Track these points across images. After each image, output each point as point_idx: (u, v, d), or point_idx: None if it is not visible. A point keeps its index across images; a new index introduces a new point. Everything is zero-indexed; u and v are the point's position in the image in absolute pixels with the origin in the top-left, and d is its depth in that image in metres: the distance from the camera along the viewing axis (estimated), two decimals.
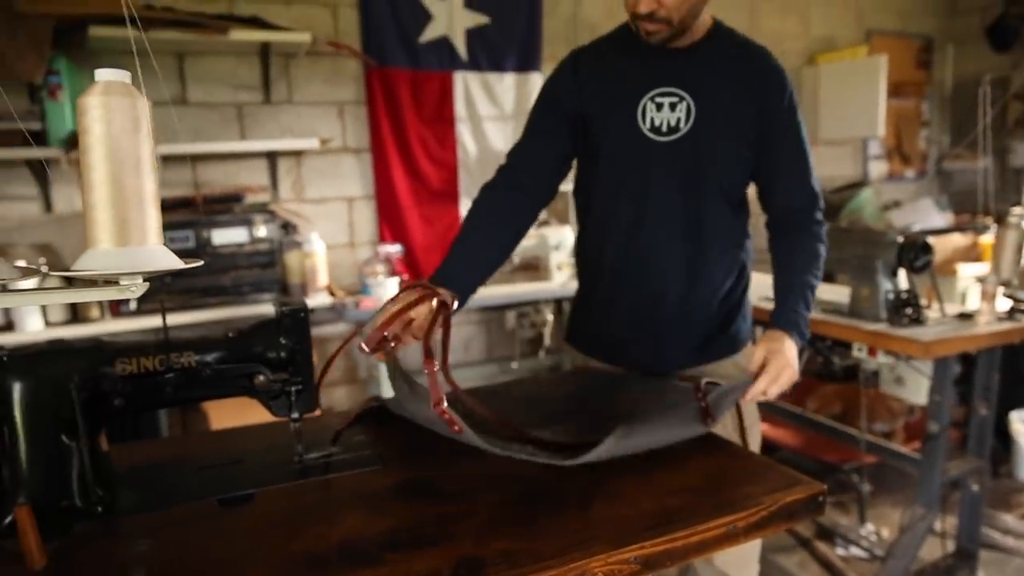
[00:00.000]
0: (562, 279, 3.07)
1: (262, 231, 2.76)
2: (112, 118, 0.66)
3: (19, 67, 2.38)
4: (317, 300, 2.79)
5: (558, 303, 3.40)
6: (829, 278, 3.09)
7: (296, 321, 1.07)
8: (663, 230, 1.41)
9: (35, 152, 2.63)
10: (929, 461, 2.11)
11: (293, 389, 1.07)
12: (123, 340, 1.05)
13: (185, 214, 2.74)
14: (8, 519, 0.96)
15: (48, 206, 2.85)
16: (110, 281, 0.69)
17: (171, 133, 2.90)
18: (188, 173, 2.98)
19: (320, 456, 1.11)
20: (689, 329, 1.47)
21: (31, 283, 0.66)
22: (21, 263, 2.36)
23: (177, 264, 0.70)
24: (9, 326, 2.54)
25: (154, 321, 2.61)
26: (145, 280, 0.70)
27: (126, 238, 0.68)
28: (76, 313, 2.62)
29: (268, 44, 2.85)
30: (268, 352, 1.07)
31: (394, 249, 2.86)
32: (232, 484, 1.06)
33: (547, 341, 3.40)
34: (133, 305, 2.64)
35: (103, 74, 0.66)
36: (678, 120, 1.37)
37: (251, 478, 1.08)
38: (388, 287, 2.65)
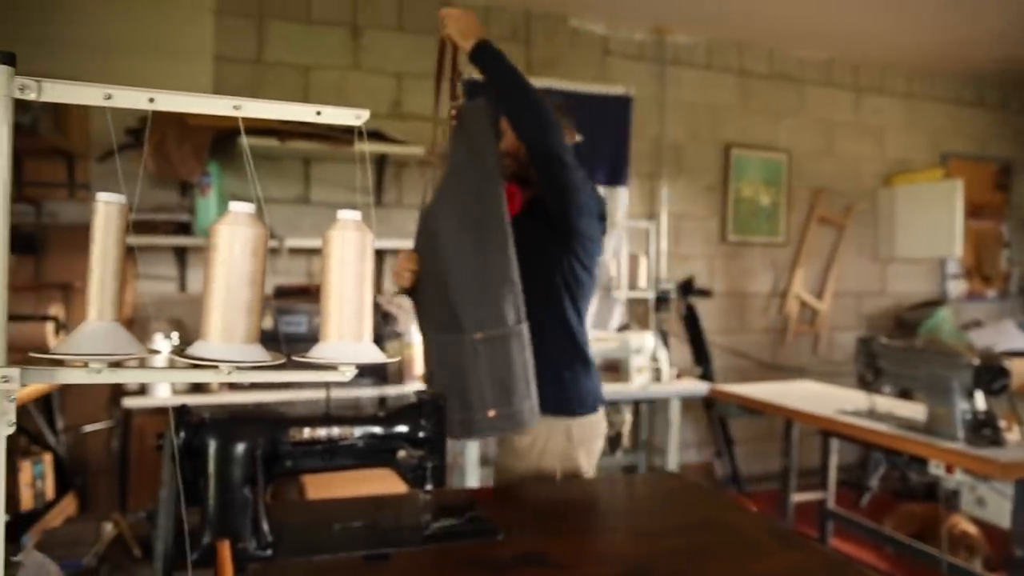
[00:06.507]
0: (642, 381, 3.22)
1: None
2: (346, 247, 0.90)
3: (183, 170, 2.78)
4: (412, 387, 3.00)
5: (636, 404, 3.53)
6: (905, 394, 3.14)
7: (436, 407, 1.27)
8: None
9: (184, 240, 3.01)
10: None
11: (429, 465, 1.25)
12: (295, 413, 1.28)
13: (300, 301, 3.04)
14: (195, 554, 1.16)
15: (183, 286, 3.21)
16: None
17: (293, 228, 3.26)
18: (305, 264, 3.31)
19: (446, 525, 1.29)
20: None
21: (268, 361, 0.89)
22: (159, 335, 2.68)
23: (381, 358, 0.91)
24: (143, 391, 2.84)
25: (258, 396, 2.87)
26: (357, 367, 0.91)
27: (347, 335, 0.90)
28: (199, 385, 2.91)
29: (385, 155, 3.21)
30: (411, 431, 1.27)
31: None
32: (370, 543, 1.24)
33: (624, 441, 3.50)
34: (248, 383, 2.92)
35: (345, 215, 0.90)
36: None
37: (386, 539, 1.25)
38: None
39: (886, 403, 2.67)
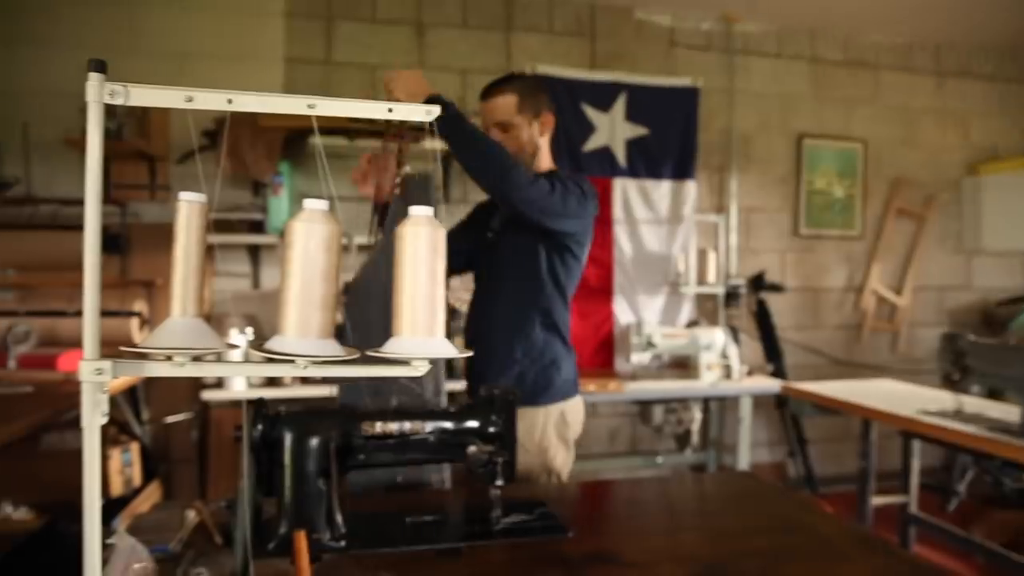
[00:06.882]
0: (711, 378, 3.15)
1: None
2: (419, 244, 0.90)
3: (256, 170, 2.87)
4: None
5: (706, 402, 3.45)
6: (994, 394, 2.97)
7: (506, 402, 1.27)
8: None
9: (257, 238, 3.10)
10: None
11: (500, 460, 1.25)
12: (367, 407, 1.29)
13: None
14: (273, 544, 1.19)
15: (256, 283, 3.31)
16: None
17: (361, 225, 3.31)
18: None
19: (516, 521, 1.29)
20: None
21: (342, 355, 0.89)
22: (234, 330, 2.77)
23: (452, 353, 0.91)
24: (220, 384, 2.95)
25: (328, 391, 2.93)
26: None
27: (419, 331, 0.90)
28: (272, 379, 3.01)
29: None
30: (481, 427, 1.27)
31: None
32: (441, 536, 1.25)
33: (694, 439, 3.44)
34: (320, 377, 2.99)
35: (417, 211, 0.90)
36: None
37: (457, 533, 1.26)
38: None
39: (975, 403, 2.54)
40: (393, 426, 1.26)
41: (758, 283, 3.88)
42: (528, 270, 1.82)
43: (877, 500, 2.98)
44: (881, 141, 4.32)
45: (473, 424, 1.27)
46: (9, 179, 3.02)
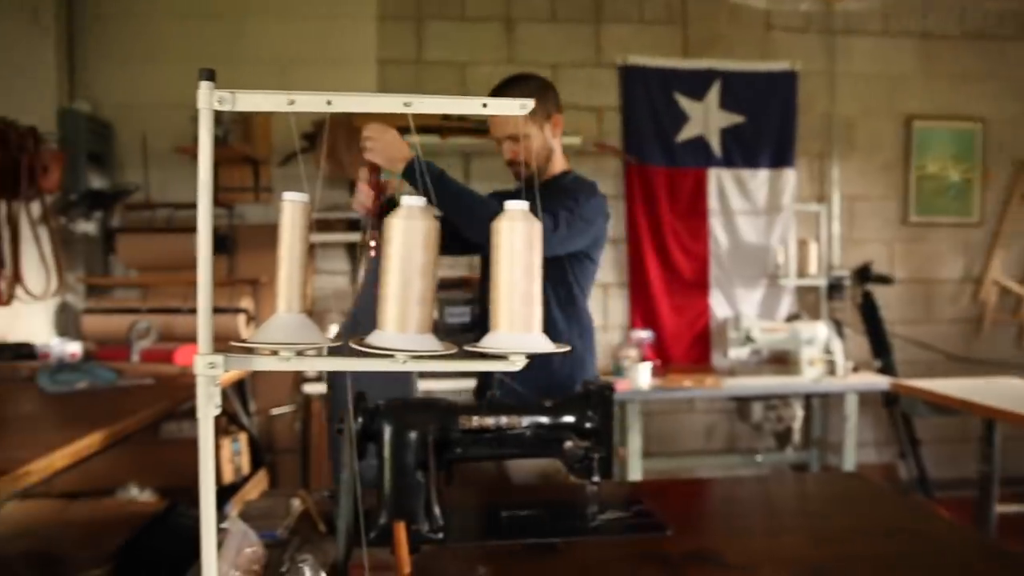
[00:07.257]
0: (814, 374, 3.02)
1: None
2: (515, 237, 0.90)
3: (352, 170, 2.95)
4: None
5: (807, 399, 3.31)
6: None
7: (602, 398, 1.26)
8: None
9: (354, 236, 3.20)
10: None
11: (596, 456, 1.24)
12: (465, 401, 1.31)
13: (462, 293, 3.14)
14: (373, 533, 1.22)
15: (354, 280, 3.42)
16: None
17: None
18: (466, 257, 3.41)
19: (613, 518, 1.27)
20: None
21: (441, 350, 0.90)
22: (334, 326, 2.86)
23: (550, 348, 0.90)
24: (321, 378, 3.06)
25: (423, 385, 2.98)
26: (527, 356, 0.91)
27: (516, 325, 0.90)
28: None
29: None
30: (578, 422, 1.26)
31: (645, 335, 3.03)
32: (537, 531, 1.24)
33: (795, 437, 3.31)
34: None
35: (513, 205, 0.90)
36: None
37: (553, 529, 1.25)
38: (640, 371, 2.80)
39: None
40: (490, 420, 1.27)
41: (864, 275, 3.69)
42: (559, 279, 1.79)
43: (1002, 508, 2.77)
44: (1003, 119, 4.00)
45: (569, 419, 1.26)
46: (130, 186, 3.24)
